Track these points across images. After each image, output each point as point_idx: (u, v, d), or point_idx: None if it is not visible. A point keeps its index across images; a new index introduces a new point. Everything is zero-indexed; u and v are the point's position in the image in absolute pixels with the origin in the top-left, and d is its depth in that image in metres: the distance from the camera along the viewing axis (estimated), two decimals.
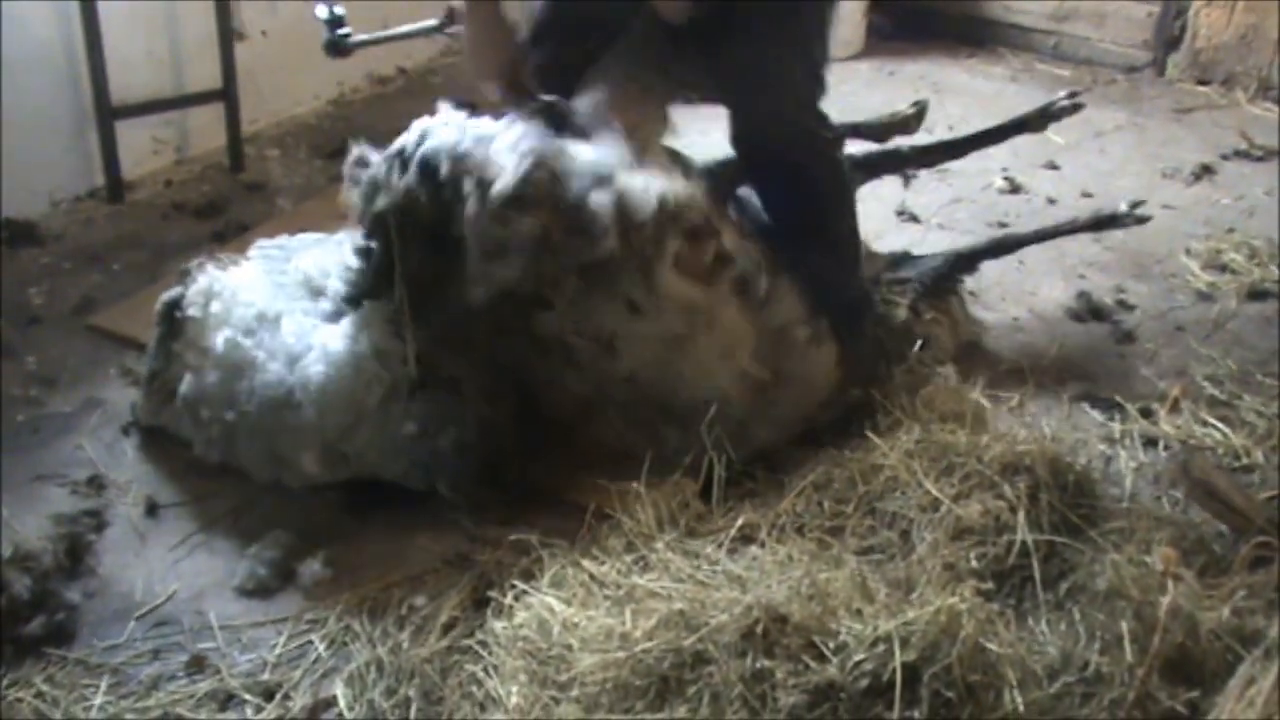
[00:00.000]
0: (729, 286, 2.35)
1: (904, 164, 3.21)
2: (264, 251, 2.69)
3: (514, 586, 2.01)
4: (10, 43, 3.20)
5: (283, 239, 2.75)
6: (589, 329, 2.31)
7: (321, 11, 3.44)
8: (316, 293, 2.55)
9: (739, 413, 2.34)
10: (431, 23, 3.67)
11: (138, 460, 2.51)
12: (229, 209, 3.50)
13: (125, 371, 2.76)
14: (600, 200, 2.23)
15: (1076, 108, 3.22)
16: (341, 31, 3.46)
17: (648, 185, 2.27)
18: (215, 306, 2.48)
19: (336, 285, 2.50)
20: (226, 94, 3.63)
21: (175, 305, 2.52)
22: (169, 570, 2.24)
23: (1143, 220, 3.11)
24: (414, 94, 4.40)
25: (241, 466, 2.43)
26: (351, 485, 2.41)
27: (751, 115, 2.49)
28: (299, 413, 2.34)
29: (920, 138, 3.24)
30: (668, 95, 2.65)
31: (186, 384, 2.44)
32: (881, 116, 3.20)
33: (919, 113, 3.19)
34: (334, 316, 2.48)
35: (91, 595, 2.18)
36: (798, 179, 2.58)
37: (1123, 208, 3.10)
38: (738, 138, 2.52)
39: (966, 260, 3.05)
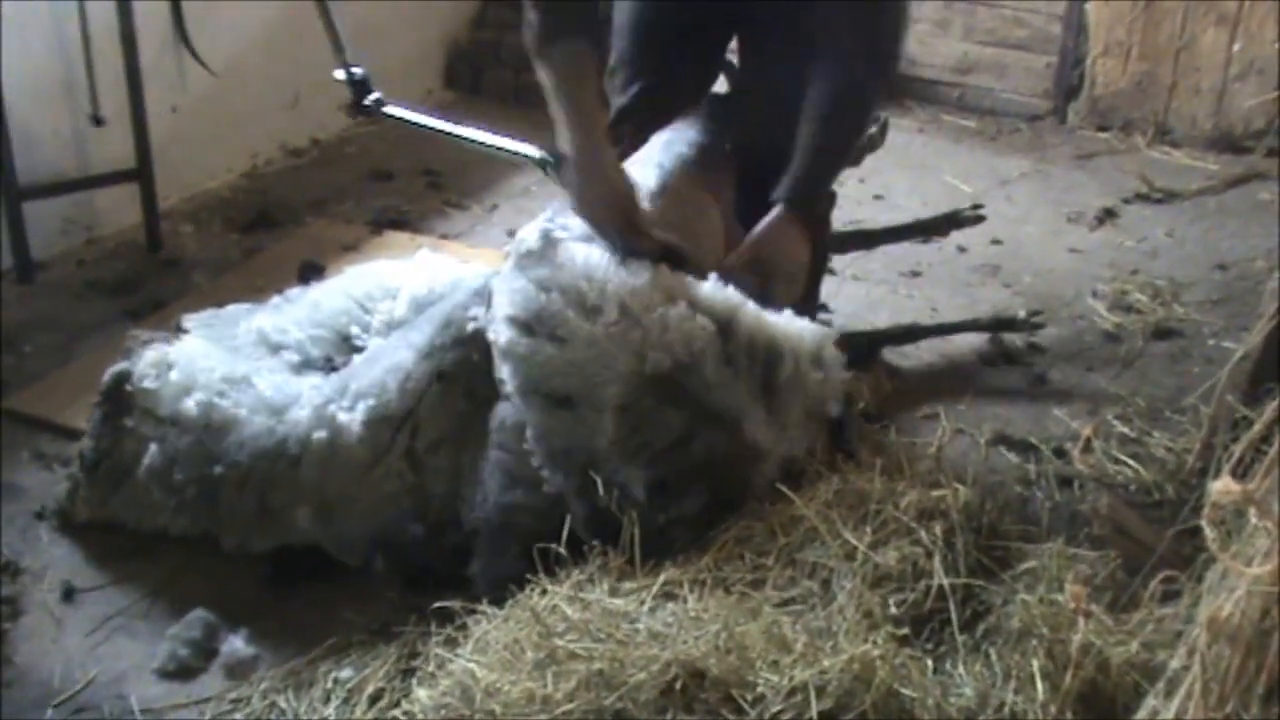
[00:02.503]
0: None
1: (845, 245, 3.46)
2: (201, 321, 2.69)
3: (438, 654, 2.01)
4: None
5: (210, 312, 2.76)
6: None
7: (341, 74, 3.20)
8: (275, 349, 2.57)
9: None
10: (534, 153, 2.82)
11: (52, 544, 2.46)
12: (144, 286, 3.47)
13: (38, 455, 2.71)
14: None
15: (979, 219, 3.43)
16: (373, 98, 3.17)
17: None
18: (175, 375, 2.46)
19: (302, 337, 2.54)
20: (141, 172, 3.61)
21: (124, 379, 2.49)
22: (87, 655, 2.20)
23: (1038, 326, 3.33)
24: (328, 164, 4.41)
25: (214, 528, 2.40)
26: (275, 557, 2.40)
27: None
28: (297, 469, 2.34)
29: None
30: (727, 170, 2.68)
31: (151, 454, 2.41)
32: None
33: (880, 129, 3.36)
34: (301, 368, 2.53)
35: (8, 684, 2.13)
36: None
37: (1021, 314, 3.35)
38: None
39: (874, 342, 3.22)
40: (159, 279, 3.54)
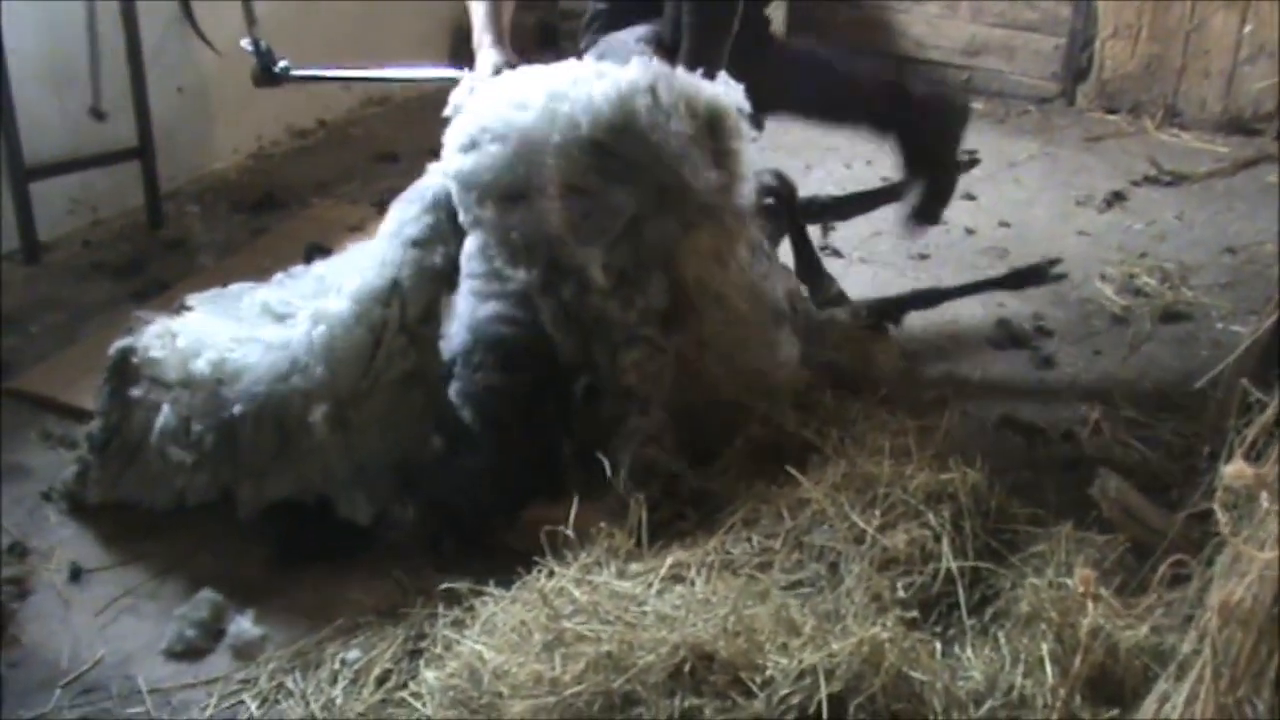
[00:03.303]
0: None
1: (822, 214, 3.36)
2: (205, 298, 2.71)
3: (445, 636, 2.01)
4: None
5: (214, 291, 2.77)
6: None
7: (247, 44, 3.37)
8: (280, 318, 2.60)
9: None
10: (450, 71, 3.06)
11: (61, 525, 2.47)
12: (149, 267, 3.47)
13: (45, 435, 2.72)
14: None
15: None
16: (280, 65, 3.36)
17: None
18: (182, 342, 2.49)
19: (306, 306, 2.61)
20: (143, 151, 3.61)
21: (129, 353, 2.50)
22: (95, 636, 2.20)
23: (1059, 277, 3.29)
24: (334, 146, 4.41)
25: (233, 480, 2.43)
26: (282, 535, 2.40)
27: None
28: (308, 373, 2.39)
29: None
30: None
31: (165, 415, 2.43)
32: None
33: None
34: None
35: (15, 665, 2.13)
36: None
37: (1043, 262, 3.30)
38: None
39: (893, 307, 3.18)
40: (164, 260, 3.54)
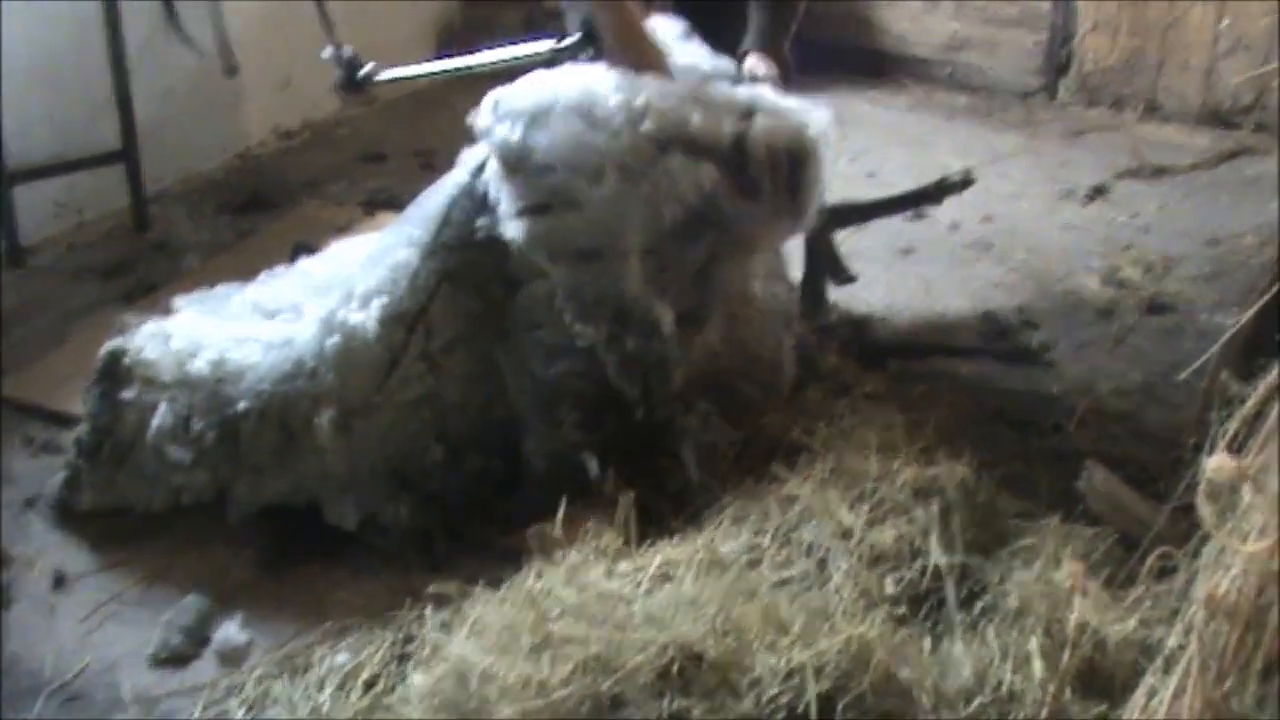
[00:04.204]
0: None
1: (846, 219, 3.40)
2: (192, 300, 2.72)
3: (434, 638, 2.00)
4: None
5: (200, 292, 2.77)
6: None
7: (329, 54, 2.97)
8: (271, 315, 2.61)
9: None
10: (561, 41, 2.74)
11: (45, 531, 2.46)
12: (135, 269, 3.46)
13: (29, 441, 2.70)
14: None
15: (969, 183, 3.31)
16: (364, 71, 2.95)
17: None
18: (177, 342, 2.49)
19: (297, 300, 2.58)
20: (127, 154, 3.59)
21: (120, 354, 2.49)
22: (80, 643, 2.20)
23: (969, 183, 3.22)
24: (321, 146, 4.39)
25: (231, 477, 2.42)
26: (270, 534, 2.40)
27: None
28: (317, 378, 2.39)
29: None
30: None
31: (161, 414, 2.42)
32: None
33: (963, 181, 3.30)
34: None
35: None
36: None
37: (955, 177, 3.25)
38: None
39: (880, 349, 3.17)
40: (150, 262, 3.53)
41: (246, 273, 2.89)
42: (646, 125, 2.36)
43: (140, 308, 2.90)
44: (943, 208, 3.94)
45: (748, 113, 2.44)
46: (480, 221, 2.44)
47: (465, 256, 2.46)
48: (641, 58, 2.50)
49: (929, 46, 5.12)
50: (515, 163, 2.37)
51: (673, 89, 2.44)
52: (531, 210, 2.37)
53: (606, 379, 2.38)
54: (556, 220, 2.36)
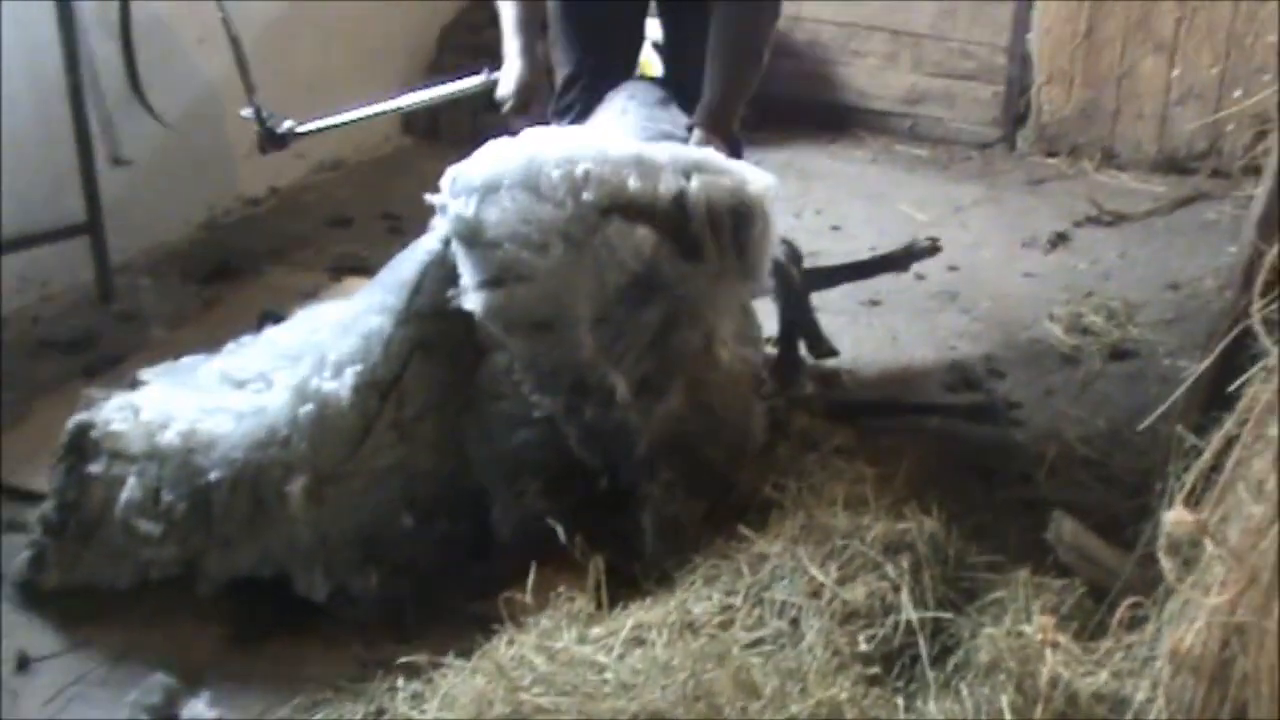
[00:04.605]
0: None
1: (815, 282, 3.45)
2: (159, 372, 2.70)
3: (405, 712, 1.98)
4: None
5: (167, 364, 2.75)
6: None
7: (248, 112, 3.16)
8: (239, 384, 2.59)
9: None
10: (477, 79, 3.04)
11: (8, 612, 2.41)
12: (100, 342, 3.44)
13: None
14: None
15: (935, 250, 3.39)
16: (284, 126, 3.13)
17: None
18: (147, 415, 2.47)
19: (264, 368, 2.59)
20: (93, 226, 3.58)
21: (87, 428, 2.47)
22: None
23: (936, 250, 3.37)
24: (287, 213, 4.39)
25: (202, 549, 2.39)
26: (238, 613, 2.37)
27: None
28: (290, 446, 2.37)
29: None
30: None
31: (130, 488, 2.39)
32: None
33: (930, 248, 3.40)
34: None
35: None
36: None
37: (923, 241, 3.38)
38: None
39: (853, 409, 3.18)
40: (116, 334, 3.50)
41: (213, 342, 2.88)
42: (587, 194, 2.40)
43: (105, 381, 2.88)
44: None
45: (688, 173, 2.49)
46: (451, 291, 2.45)
47: (438, 325, 2.47)
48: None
49: (888, 100, 5.20)
50: (470, 237, 2.41)
51: (613, 154, 2.47)
52: (486, 284, 2.40)
53: (569, 448, 2.40)
54: (509, 293, 2.39)
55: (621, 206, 2.43)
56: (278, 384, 2.52)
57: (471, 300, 2.40)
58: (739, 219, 2.49)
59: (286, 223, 4.30)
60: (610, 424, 2.40)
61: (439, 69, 5.11)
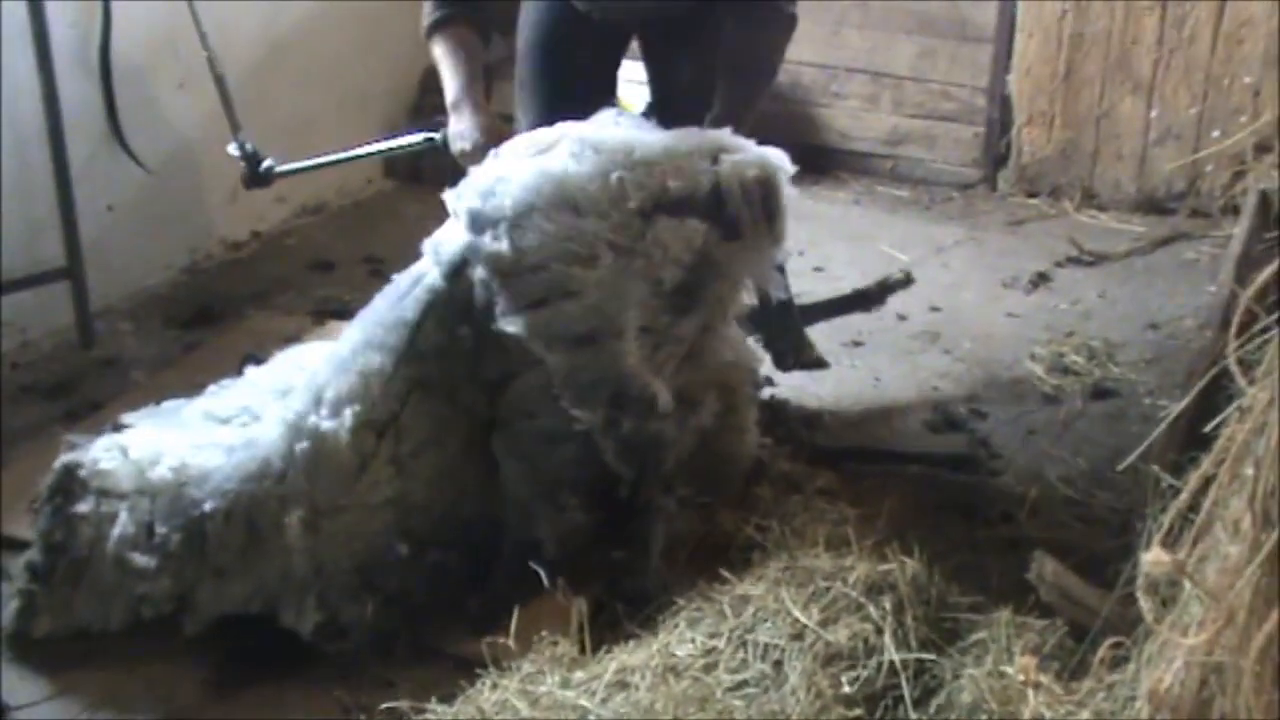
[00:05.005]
0: None
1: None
2: (140, 416, 2.70)
3: None
4: None
5: (149, 408, 2.76)
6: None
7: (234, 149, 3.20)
8: (224, 421, 2.61)
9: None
10: (420, 136, 3.03)
11: None
12: (80, 387, 3.43)
13: None
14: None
15: (909, 281, 3.43)
16: (265, 165, 3.16)
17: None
18: (136, 453, 2.47)
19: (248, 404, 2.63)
20: (73, 271, 3.58)
21: (74, 469, 2.46)
22: None
23: (909, 282, 3.43)
24: (268, 257, 4.39)
25: (196, 582, 2.37)
26: (222, 658, 2.36)
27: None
28: (286, 481, 2.37)
29: None
30: None
31: (121, 523, 2.39)
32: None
33: (905, 278, 3.45)
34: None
35: None
36: None
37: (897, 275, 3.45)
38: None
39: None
40: (96, 379, 3.49)
41: (194, 387, 2.88)
42: (631, 203, 2.41)
43: (86, 427, 2.87)
44: (890, 299, 4.03)
45: (714, 155, 2.51)
46: (463, 330, 2.46)
47: (439, 364, 2.47)
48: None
49: (870, 141, 5.24)
50: (509, 269, 2.39)
51: (640, 154, 2.47)
52: (530, 306, 2.39)
53: (602, 462, 2.41)
54: (554, 310, 2.39)
55: (666, 205, 2.44)
56: (267, 417, 2.52)
57: (513, 324, 2.38)
58: (766, 189, 2.52)
59: (268, 267, 4.31)
60: (647, 435, 2.41)
61: (421, 112, 5.15)
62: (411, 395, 2.45)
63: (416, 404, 2.45)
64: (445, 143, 2.82)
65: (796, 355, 3.30)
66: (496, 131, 2.73)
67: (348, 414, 2.40)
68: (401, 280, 2.58)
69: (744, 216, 2.50)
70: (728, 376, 2.67)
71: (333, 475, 2.39)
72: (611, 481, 2.45)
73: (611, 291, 2.40)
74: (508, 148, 2.57)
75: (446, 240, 2.52)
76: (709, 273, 2.50)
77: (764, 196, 2.52)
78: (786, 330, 3.25)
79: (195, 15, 3.28)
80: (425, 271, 2.53)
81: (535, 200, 2.40)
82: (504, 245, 2.39)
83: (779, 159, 2.57)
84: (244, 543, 2.38)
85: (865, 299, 3.53)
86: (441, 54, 2.82)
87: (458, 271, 2.46)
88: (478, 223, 2.44)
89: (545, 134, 2.55)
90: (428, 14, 2.83)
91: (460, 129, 2.75)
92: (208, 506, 2.38)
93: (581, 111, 2.72)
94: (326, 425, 2.40)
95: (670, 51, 3.02)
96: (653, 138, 2.55)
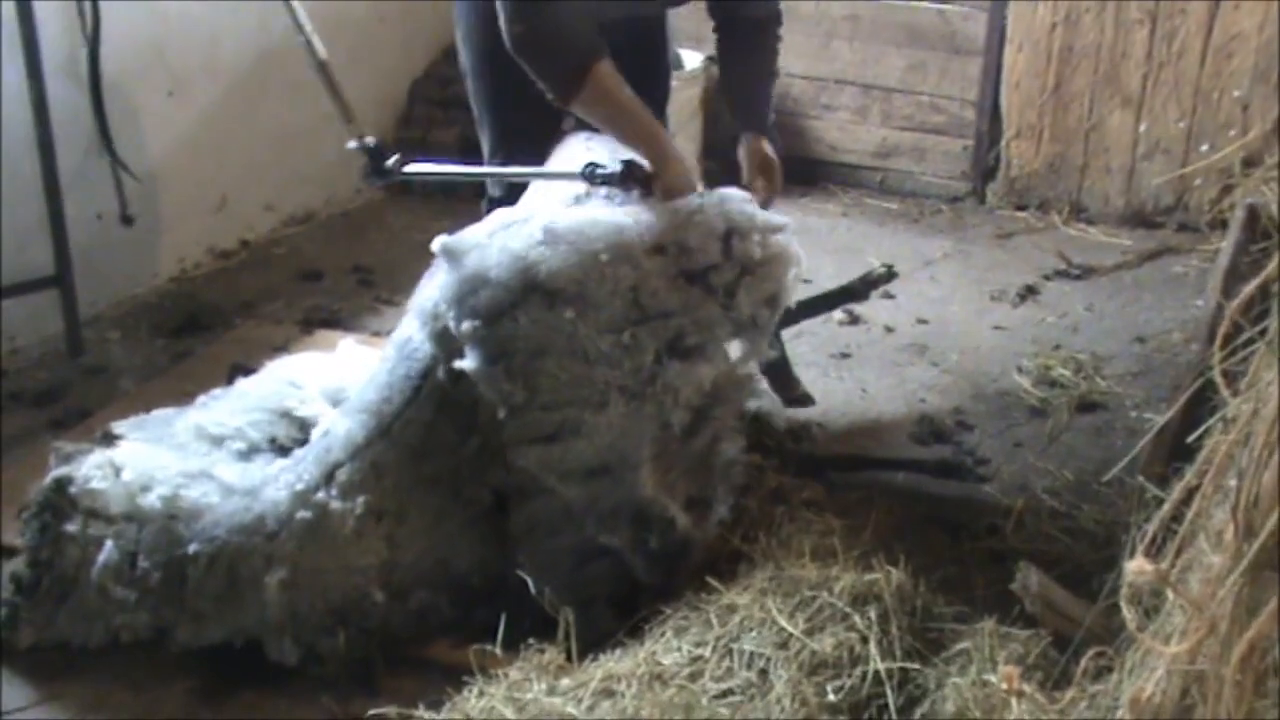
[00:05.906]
0: None
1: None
2: (132, 426, 2.68)
3: None
4: None
5: (138, 418, 2.74)
6: None
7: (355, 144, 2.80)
8: (218, 440, 2.59)
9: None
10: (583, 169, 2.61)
11: None
12: (68, 395, 3.43)
13: None
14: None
15: (892, 275, 3.40)
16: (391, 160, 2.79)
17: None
18: (128, 474, 2.44)
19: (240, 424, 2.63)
20: (61, 279, 3.58)
21: (65, 484, 2.44)
22: None
23: (892, 277, 3.36)
24: (257, 266, 4.39)
25: (174, 618, 2.36)
26: (208, 670, 2.35)
27: None
28: (277, 542, 2.35)
29: None
30: None
31: (107, 551, 2.37)
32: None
33: (887, 273, 3.38)
34: (249, 454, 2.60)
35: None
36: None
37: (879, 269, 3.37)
38: None
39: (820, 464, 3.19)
40: (84, 388, 3.49)
41: (182, 396, 2.88)
42: (646, 356, 2.42)
43: (74, 435, 2.87)
44: (877, 311, 4.05)
45: (726, 237, 2.51)
46: (472, 441, 2.46)
47: (449, 463, 2.48)
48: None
49: (859, 154, 5.27)
50: (521, 405, 2.38)
51: (651, 308, 2.44)
52: (540, 440, 2.39)
53: (627, 567, 2.44)
54: (565, 447, 2.39)
55: (678, 351, 2.46)
56: (278, 478, 2.46)
57: (525, 456, 2.39)
58: (776, 269, 2.55)
59: (257, 276, 4.31)
60: (674, 548, 2.44)
61: (409, 122, 5.16)
62: (418, 488, 2.46)
63: (422, 496, 2.47)
64: (617, 177, 2.58)
65: (785, 394, 3.29)
66: (692, 183, 2.66)
67: (359, 500, 2.40)
68: (405, 349, 2.50)
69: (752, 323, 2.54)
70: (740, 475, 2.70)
71: (326, 546, 2.38)
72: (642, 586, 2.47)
73: (621, 432, 2.40)
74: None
75: (441, 317, 2.43)
76: (716, 401, 2.54)
77: (768, 301, 2.55)
78: (775, 369, 3.23)
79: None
80: (427, 350, 2.46)
81: (548, 346, 2.37)
82: (518, 387, 2.37)
83: (787, 238, 2.57)
84: (223, 590, 2.36)
85: (849, 294, 3.51)
86: (616, 86, 2.53)
87: (459, 374, 2.40)
88: (485, 355, 2.37)
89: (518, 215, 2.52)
90: (571, 50, 2.52)
91: (682, 173, 2.62)
92: (191, 549, 2.36)
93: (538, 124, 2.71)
94: (335, 506, 2.39)
95: (646, 67, 2.95)
96: (657, 226, 2.50)
